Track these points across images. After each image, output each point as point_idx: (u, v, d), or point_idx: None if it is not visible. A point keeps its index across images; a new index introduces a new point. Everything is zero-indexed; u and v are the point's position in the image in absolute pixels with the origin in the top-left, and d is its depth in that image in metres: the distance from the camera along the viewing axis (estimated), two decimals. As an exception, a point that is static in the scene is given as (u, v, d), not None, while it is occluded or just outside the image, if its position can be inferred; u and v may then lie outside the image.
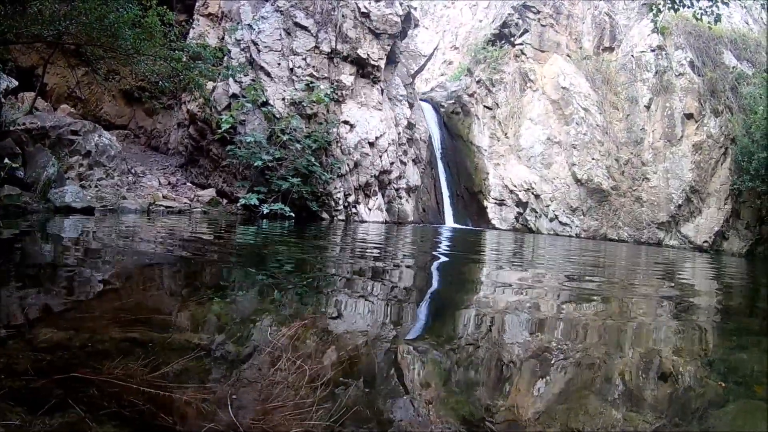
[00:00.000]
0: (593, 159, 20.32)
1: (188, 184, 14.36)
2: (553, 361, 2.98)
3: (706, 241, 18.96)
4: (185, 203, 12.55)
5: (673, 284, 7.65)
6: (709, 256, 16.21)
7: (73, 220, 8.07)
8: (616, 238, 20.22)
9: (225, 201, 14.24)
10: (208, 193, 13.81)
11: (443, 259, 8.31)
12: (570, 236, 20.36)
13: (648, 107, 19.98)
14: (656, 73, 19.85)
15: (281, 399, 2.05)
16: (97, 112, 16.28)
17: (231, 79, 14.38)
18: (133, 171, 12.76)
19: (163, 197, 12.19)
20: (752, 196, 17.72)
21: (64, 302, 3.26)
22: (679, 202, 19.41)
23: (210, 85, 14.10)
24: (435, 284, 5.86)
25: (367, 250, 8.29)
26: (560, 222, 20.86)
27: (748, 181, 17.00)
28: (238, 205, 13.99)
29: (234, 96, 14.45)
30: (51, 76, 15.11)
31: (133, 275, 4.50)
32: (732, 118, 18.59)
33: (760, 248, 17.74)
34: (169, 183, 13.76)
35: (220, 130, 14.06)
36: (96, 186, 10.42)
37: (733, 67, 19.41)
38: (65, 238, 6.52)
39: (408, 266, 6.92)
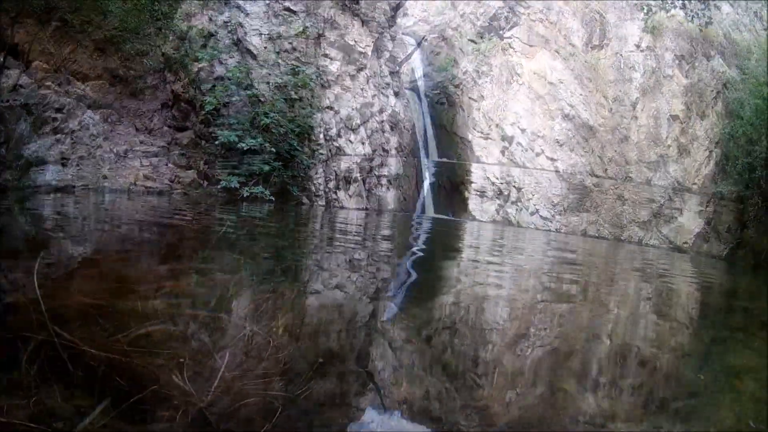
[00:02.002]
0: (577, 155, 20.49)
1: (169, 165, 14.25)
2: (532, 350, 3.06)
3: (686, 243, 19.15)
4: (166, 184, 12.52)
5: (651, 282, 7.85)
6: (689, 257, 16.45)
7: (53, 199, 8.07)
8: (597, 235, 20.40)
9: (206, 183, 14.19)
10: (189, 175, 13.75)
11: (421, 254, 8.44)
12: (550, 231, 20.53)
13: (634, 107, 20.12)
14: (644, 73, 19.94)
15: (242, 368, 2.10)
16: (71, 65, 15.78)
17: (216, 61, 14.31)
18: (115, 151, 12.65)
19: (144, 177, 12.14)
20: (734, 200, 17.75)
21: (38, 272, 3.29)
22: (662, 202, 19.58)
23: (195, 66, 14.06)
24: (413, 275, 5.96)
25: (347, 237, 8.39)
26: (541, 216, 21.01)
27: (731, 185, 17.10)
28: (219, 187, 13.96)
29: (219, 78, 14.39)
30: (21, 36, 14.65)
31: (108, 251, 4.53)
32: (718, 122, 18.70)
33: (740, 252, 17.89)
34: (151, 164, 13.64)
35: (203, 112, 14.00)
36: (77, 165, 10.36)
37: (722, 72, 19.56)
38: (44, 216, 6.54)
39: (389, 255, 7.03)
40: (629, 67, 20.39)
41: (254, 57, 14.92)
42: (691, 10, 11.69)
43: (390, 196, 19.16)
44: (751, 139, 16.14)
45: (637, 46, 20.44)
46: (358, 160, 17.17)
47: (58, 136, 10.23)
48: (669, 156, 19.44)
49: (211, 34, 14.63)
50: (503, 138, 21.80)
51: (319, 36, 15.72)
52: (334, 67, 16.14)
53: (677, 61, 19.62)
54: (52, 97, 10.44)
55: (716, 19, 17.54)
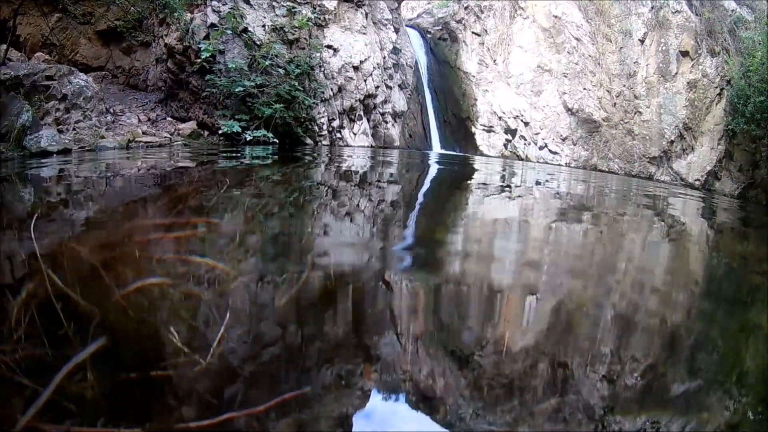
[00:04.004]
0: (584, 89, 19.94)
1: (168, 118, 14.29)
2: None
3: (698, 179, 18.95)
4: (165, 137, 12.61)
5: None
6: (701, 194, 16.48)
7: (49, 163, 8.35)
8: (607, 169, 20.25)
9: (206, 133, 14.25)
10: (189, 126, 13.79)
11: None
12: (560, 165, 20.47)
13: (642, 41, 19.31)
14: (652, 8, 19.04)
15: None
16: (74, 56, 15.90)
17: (209, 9, 14.03)
18: (111, 110, 12.71)
19: (143, 133, 12.22)
20: (746, 139, 17.38)
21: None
22: (672, 138, 19.21)
23: (188, 16, 13.86)
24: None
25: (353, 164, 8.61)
26: (550, 150, 20.83)
27: (743, 123, 16.65)
28: (220, 134, 14.07)
29: (212, 26, 14.10)
30: (24, 27, 14.73)
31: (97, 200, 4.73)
32: (729, 59, 18.03)
33: (752, 192, 17.77)
34: (149, 119, 13.70)
35: (199, 60, 13.87)
36: (74, 129, 10.48)
37: (732, 11, 18.66)
38: (38, 178, 6.85)
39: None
40: (635, 0, 19.39)
41: (247, 1, 14.58)
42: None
43: (395, 133, 19.10)
44: (763, 78, 15.60)
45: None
46: (361, 97, 17.03)
47: (52, 102, 10.38)
48: (678, 92, 18.89)
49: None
50: (507, 72, 21.28)
51: (314, -27, 15.24)
52: (331, 5, 15.74)
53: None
54: (43, 65, 10.51)
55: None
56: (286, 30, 14.82)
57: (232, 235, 3.05)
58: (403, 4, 21.82)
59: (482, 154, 21.38)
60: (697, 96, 18.57)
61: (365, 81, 16.97)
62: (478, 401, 2.02)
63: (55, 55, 15.08)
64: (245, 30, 14.44)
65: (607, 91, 19.85)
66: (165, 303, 2.18)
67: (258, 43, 14.49)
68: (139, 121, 13.22)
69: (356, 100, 16.80)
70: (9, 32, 10.11)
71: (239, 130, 13.73)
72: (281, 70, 14.33)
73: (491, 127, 21.50)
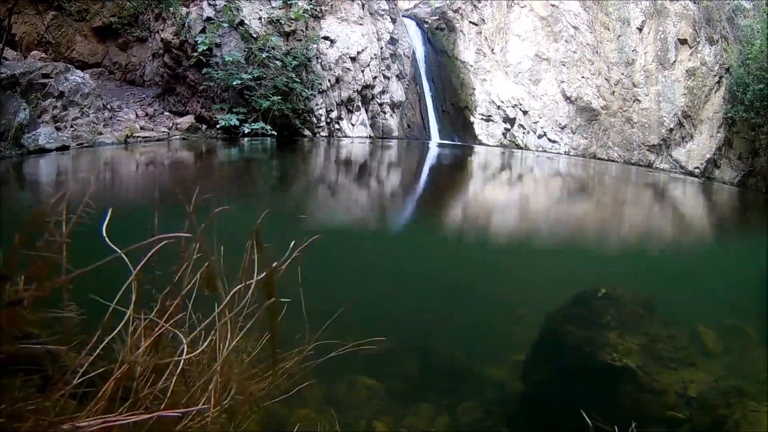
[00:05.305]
0: (583, 77, 19.87)
1: (166, 113, 14.32)
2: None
3: (697, 167, 18.93)
4: (163, 132, 12.69)
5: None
6: (701, 182, 16.56)
7: (46, 161, 8.44)
8: (606, 157, 20.23)
9: (204, 126, 14.29)
10: (187, 120, 13.83)
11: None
12: (559, 153, 20.46)
13: (640, 29, 19.24)
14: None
15: None
16: (70, 54, 15.89)
17: (205, 3, 14.01)
18: (109, 106, 12.74)
19: (141, 128, 12.31)
20: (746, 127, 17.42)
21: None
22: (671, 126, 19.17)
23: (183, 10, 13.86)
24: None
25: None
26: (549, 139, 20.79)
27: (743, 111, 16.70)
28: (218, 127, 14.12)
29: (209, 19, 14.09)
30: (19, 26, 14.71)
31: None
32: (728, 47, 18.02)
33: (752, 180, 17.80)
34: (147, 114, 13.73)
35: (196, 54, 13.87)
36: (72, 126, 10.56)
37: None
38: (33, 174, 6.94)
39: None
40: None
41: (243, -6, 14.58)
42: None
43: (394, 124, 19.09)
44: (762, 66, 15.59)
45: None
46: (359, 88, 17.02)
47: (50, 100, 10.44)
48: (677, 80, 18.84)
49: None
50: (505, 62, 21.20)
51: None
52: (327, -4, 15.74)
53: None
54: (39, 63, 10.57)
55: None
56: (283, 22, 14.80)
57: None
58: (400, -8, 21.73)
59: (481, 144, 21.34)
60: (696, 84, 18.53)
61: (363, 72, 16.96)
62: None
63: (51, 53, 15.07)
64: (241, 23, 14.43)
65: (606, 79, 19.79)
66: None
67: (254, 35, 14.49)
68: (137, 116, 13.26)
69: (354, 91, 16.80)
70: (4, 31, 10.13)
71: (237, 123, 13.78)
72: (278, 63, 14.34)
73: (490, 116, 21.43)
